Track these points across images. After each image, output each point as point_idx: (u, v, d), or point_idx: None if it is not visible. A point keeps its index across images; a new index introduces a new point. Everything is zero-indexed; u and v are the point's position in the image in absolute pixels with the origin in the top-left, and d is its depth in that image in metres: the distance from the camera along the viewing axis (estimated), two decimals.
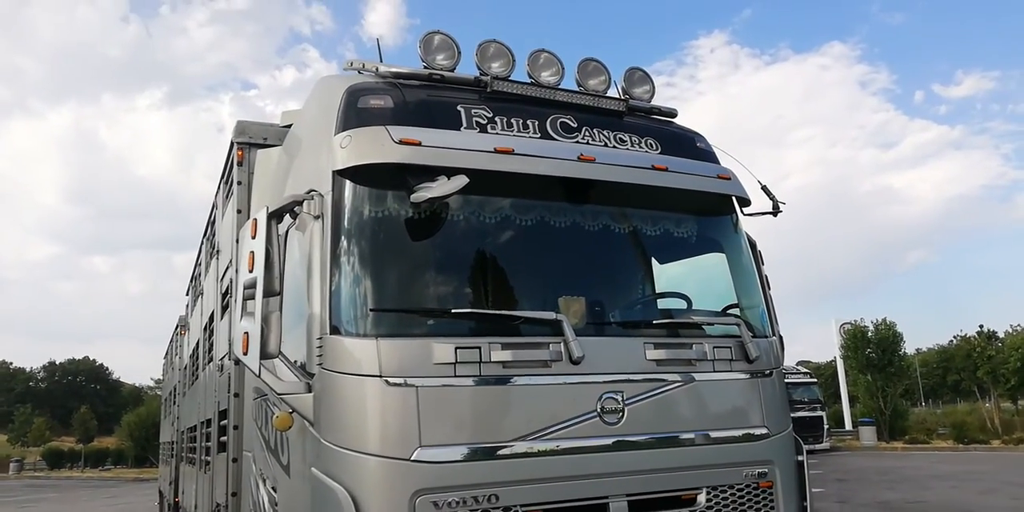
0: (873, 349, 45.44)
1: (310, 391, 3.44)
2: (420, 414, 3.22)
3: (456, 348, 3.35)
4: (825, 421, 33.41)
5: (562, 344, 3.52)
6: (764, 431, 3.94)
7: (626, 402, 3.60)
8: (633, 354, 3.73)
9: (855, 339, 45.80)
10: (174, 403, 13.46)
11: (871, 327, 46.43)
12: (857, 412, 45.40)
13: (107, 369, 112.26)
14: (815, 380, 36.51)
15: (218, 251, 7.09)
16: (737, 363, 3.97)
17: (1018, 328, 45.45)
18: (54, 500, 31.28)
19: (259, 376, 3.41)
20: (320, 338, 3.43)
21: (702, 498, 3.67)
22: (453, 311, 3.57)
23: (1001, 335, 49.02)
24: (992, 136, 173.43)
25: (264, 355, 3.39)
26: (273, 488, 4.00)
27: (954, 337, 54.78)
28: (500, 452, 3.31)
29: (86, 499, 30.89)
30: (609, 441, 3.53)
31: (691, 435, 3.75)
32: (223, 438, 5.74)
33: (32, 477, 53.91)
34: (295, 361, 3.64)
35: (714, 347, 3.93)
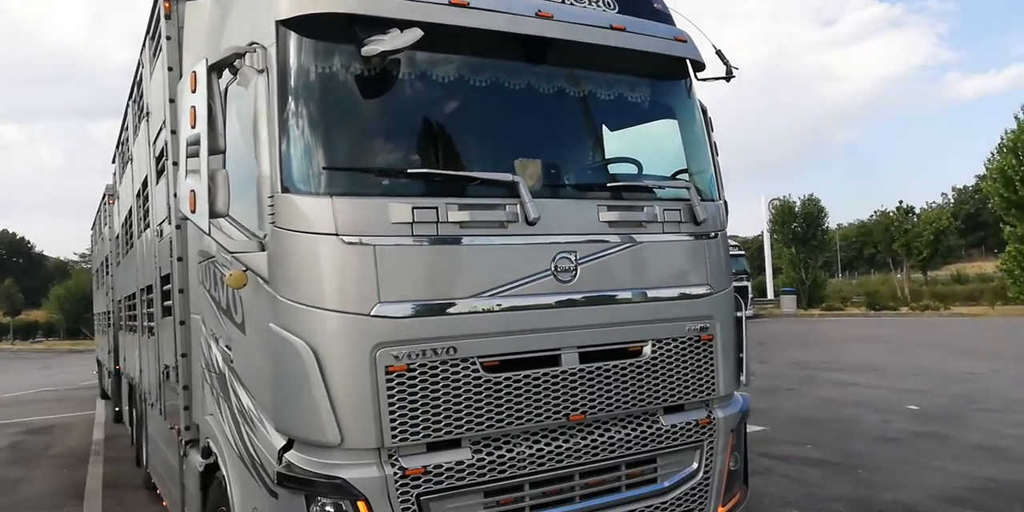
0: (799, 223, 47.31)
1: (263, 249, 3.40)
2: (378, 272, 3.23)
3: (413, 208, 3.33)
4: (750, 290, 35.08)
5: (518, 205, 3.53)
6: (707, 289, 4.10)
7: (579, 261, 3.68)
8: (587, 216, 3.78)
9: (783, 214, 47.53)
10: (107, 273, 13.21)
11: (798, 203, 48.07)
12: (779, 282, 47.85)
13: (28, 242, 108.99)
14: (743, 252, 38.01)
15: (148, 113, 6.72)
16: (685, 225, 4.07)
17: (934, 205, 47.44)
18: None
19: (209, 234, 3.34)
20: (271, 197, 3.34)
21: (647, 350, 3.85)
22: (409, 171, 3.52)
23: (918, 211, 51.37)
24: (928, 15, 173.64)
25: (212, 214, 3.30)
26: (227, 347, 4.03)
27: (874, 212, 57.16)
28: (458, 308, 3.38)
29: (20, 370, 30.81)
30: (562, 298, 3.63)
31: (639, 293, 3.88)
32: (167, 303, 5.70)
33: None
34: (244, 222, 3.58)
35: (664, 209, 4.00)
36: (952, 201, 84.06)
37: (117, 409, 13.11)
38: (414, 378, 3.25)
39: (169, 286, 5.56)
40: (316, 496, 3.15)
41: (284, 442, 3.33)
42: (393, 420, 3.19)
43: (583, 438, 3.64)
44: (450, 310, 3.37)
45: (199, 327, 4.73)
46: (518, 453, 3.45)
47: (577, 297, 3.67)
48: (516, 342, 3.50)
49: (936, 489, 7.01)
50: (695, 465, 3.96)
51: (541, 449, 3.51)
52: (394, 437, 3.18)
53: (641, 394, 3.80)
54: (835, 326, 30.36)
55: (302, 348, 3.19)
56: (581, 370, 3.63)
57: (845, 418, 10.71)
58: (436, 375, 3.29)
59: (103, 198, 13.62)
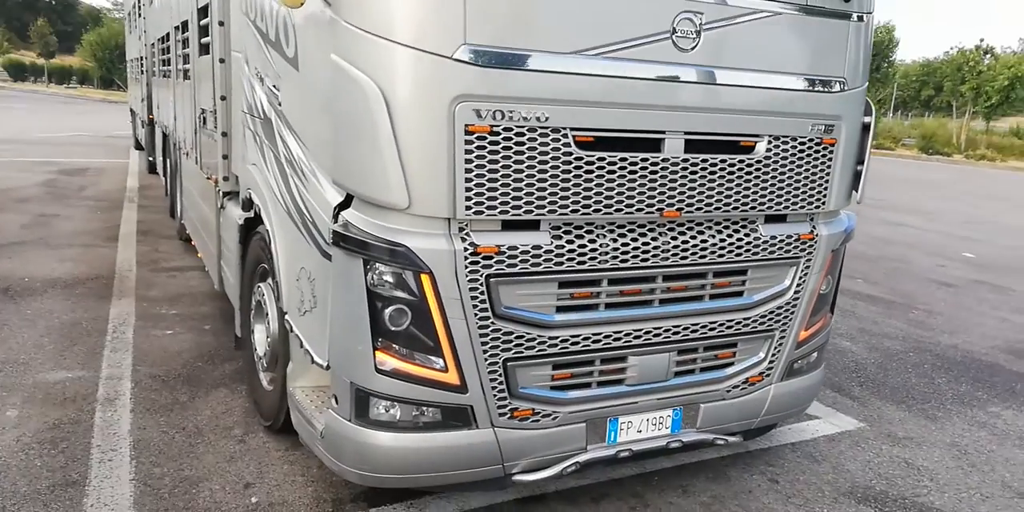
0: None
1: None
2: (466, 4, 2.58)
3: None
4: None
5: None
6: (842, 82, 3.43)
7: (703, 26, 2.98)
8: None
9: None
10: (140, 15, 12.35)
11: None
12: None
13: None
14: None
15: None
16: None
17: (1008, 50, 44.24)
18: (27, 110, 31.13)
19: None
20: None
21: (761, 147, 3.27)
22: None
23: (997, 52, 48.06)
24: None
25: None
26: (274, 86, 3.48)
27: (950, 48, 53.35)
28: (556, 65, 2.75)
29: (59, 112, 30.73)
30: (678, 70, 2.99)
31: (768, 76, 3.21)
32: (205, 39, 5.08)
33: None
34: None
35: None
36: None
37: (151, 159, 12.93)
38: (496, 143, 2.70)
39: (207, 20, 4.91)
40: (375, 262, 2.74)
41: (341, 198, 2.88)
42: (469, 189, 2.69)
43: (673, 238, 3.17)
44: (546, 66, 2.74)
45: (241, 66, 4.16)
46: (601, 245, 3.00)
47: (695, 71, 3.02)
48: (616, 117, 2.91)
49: (998, 340, 6.70)
50: (787, 283, 3.53)
51: (626, 244, 3.06)
52: (468, 209, 2.71)
53: (745, 196, 3.27)
54: (884, 166, 29.24)
55: (369, 88, 2.62)
56: (684, 160, 3.08)
57: (896, 257, 10.30)
58: (522, 143, 2.74)
59: None
